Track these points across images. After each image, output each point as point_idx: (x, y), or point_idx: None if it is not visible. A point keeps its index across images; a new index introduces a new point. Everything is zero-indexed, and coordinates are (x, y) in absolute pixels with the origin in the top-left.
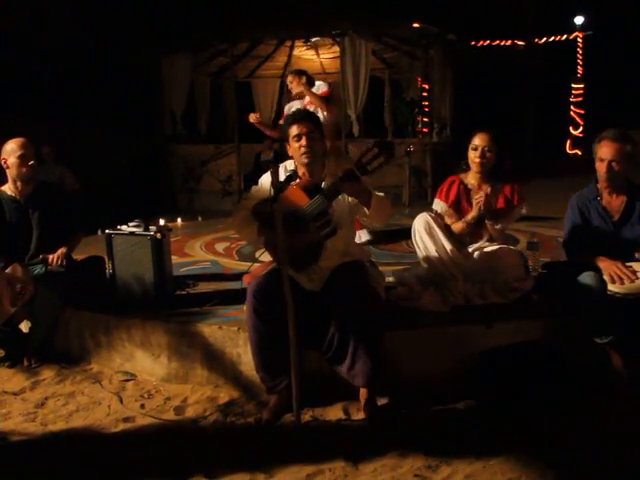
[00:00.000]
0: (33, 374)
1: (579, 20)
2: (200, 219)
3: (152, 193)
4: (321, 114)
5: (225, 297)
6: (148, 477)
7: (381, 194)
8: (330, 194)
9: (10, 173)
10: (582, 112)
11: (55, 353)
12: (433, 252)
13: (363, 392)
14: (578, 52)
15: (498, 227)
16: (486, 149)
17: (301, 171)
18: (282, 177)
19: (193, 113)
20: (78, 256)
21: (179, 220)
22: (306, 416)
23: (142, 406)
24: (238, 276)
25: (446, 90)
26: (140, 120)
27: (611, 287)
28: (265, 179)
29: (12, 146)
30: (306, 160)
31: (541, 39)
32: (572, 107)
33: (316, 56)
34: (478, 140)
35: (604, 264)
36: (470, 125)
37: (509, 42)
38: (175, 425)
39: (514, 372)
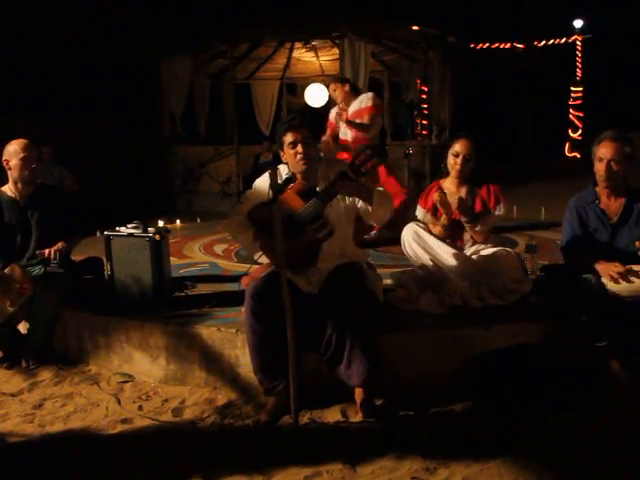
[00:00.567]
0: (31, 375)
1: (578, 23)
2: (199, 221)
3: (151, 194)
4: (362, 132)
5: (223, 299)
6: (146, 479)
7: (382, 189)
8: (325, 197)
9: (11, 174)
10: (581, 115)
11: (53, 354)
12: (426, 260)
13: (359, 392)
14: (577, 55)
15: (478, 229)
16: (467, 156)
17: (296, 176)
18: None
19: (192, 114)
20: (77, 257)
21: (178, 221)
22: (304, 418)
23: (140, 408)
24: (237, 278)
25: (445, 92)
26: (140, 121)
27: (611, 286)
28: (259, 183)
29: (15, 148)
30: (304, 167)
31: (540, 42)
32: (571, 110)
33: (315, 58)
34: (459, 147)
35: (602, 266)
36: (469, 128)
37: (508, 45)
38: (173, 427)
39: (512, 374)
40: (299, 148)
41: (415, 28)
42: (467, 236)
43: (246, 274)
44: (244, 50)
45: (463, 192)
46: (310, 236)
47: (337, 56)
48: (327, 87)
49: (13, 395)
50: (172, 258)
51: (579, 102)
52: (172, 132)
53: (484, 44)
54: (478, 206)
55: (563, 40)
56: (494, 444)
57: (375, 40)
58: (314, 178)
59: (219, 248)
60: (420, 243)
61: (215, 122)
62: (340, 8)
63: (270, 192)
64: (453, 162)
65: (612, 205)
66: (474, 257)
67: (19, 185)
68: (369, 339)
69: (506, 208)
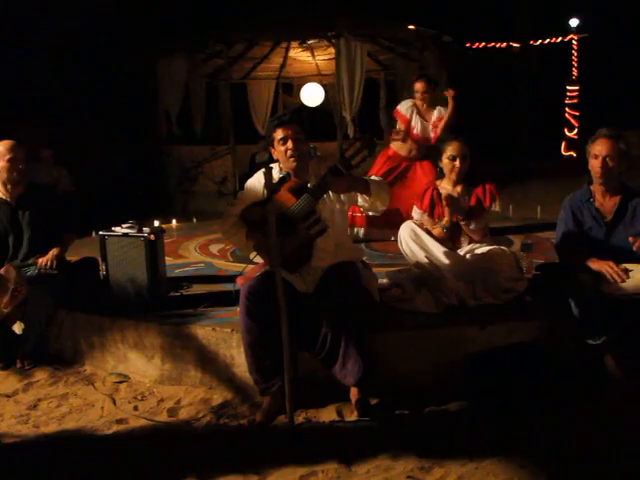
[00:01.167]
0: (26, 376)
1: (574, 22)
2: (195, 220)
3: (147, 194)
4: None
5: (219, 299)
6: (141, 479)
7: (377, 178)
8: (316, 192)
9: (0, 176)
10: (577, 114)
11: (48, 355)
12: (422, 258)
13: (354, 391)
14: (573, 54)
15: (472, 227)
16: (462, 158)
17: (289, 175)
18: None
19: (188, 114)
20: (72, 257)
21: (174, 221)
22: (299, 418)
23: (135, 408)
24: (232, 278)
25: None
26: (136, 121)
27: (604, 288)
28: (251, 183)
29: (1, 150)
30: (294, 163)
31: (536, 41)
32: (567, 109)
33: (311, 58)
34: (455, 150)
35: (596, 264)
36: (464, 128)
37: (504, 44)
38: (168, 427)
39: (507, 373)
40: (289, 144)
41: (411, 27)
42: (464, 237)
43: (241, 274)
44: (240, 50)
45: (459, 191)
46: (303, 233)
47: (333, 55)
48: (419, 83)
49: (8, 396)
50: (168, 258)
51: (575, 101)
52: (168, 132)
53: (480, 43)
54: (473, 202)
55: (559, 39)
56: (489, 443)
57: (371, 39)
58: (306, 175)
59: (215, 248)
60: (417, 241)
61: (211, 122)
62: (336, 8)
63: (265, 192)
64: (450, 165)
65: (607, 203)
66: (468, 256)
67: (8, 186)
68: (364, 338)
69: (502, 205)
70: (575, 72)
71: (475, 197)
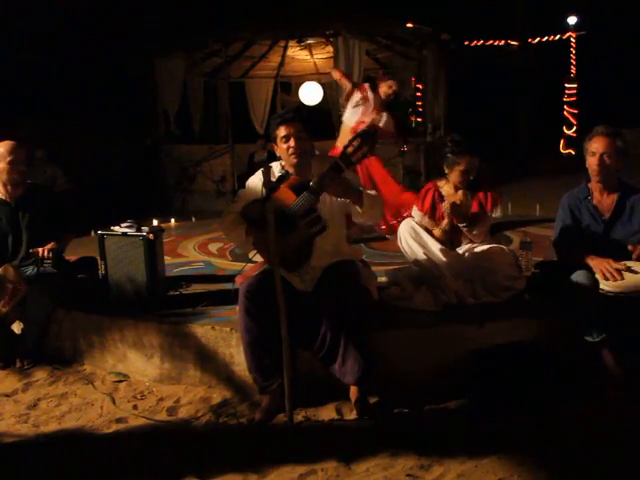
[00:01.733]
0: (25, 375)
1: (572, 20)
2: (194, 219)
3: (146, 193)
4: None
5: (218, 298)
6: (141, 478)
7: (372, 192)
8: (316, 189)
9: (0, 177)
10: (575, 112)
11: (48, 354)
12: (422, 255)
13: (353, 390)
14: (571, 52)
15: (475, 233)
16: (472, 173)
17: (289, 172)
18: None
19: (187, 113)
20: (71, 257)
21: (172, 220)
22: (299, 416)
23: (135, 407)
24: (231, 277)
25: (439, 90)
26: (134, 120)
27: (603, 285)
28: (252, 181)
29: (1, 151)
30: (295, 160)
31: (534, 39)
32: (565, 107)
33: (310, 56)
34: (468, 165)
35: (594, 262)
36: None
37: (502, 42)
38: (168, 426)
39: (506, 371)
40: (291, 142)
41: (409, 26)
42: (465, 238)
43: (240, 273)
44: (238, 49)
45: (460, 195)
46: (303, 231)
47: (331, 54)
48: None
49: (7, 395)
50: (167, 257)
51: (573, 99)
52: (166, 131)
53: (478, 41)
54: (475, 207)
55: (557, 37)
56: (489, 441)
57: (369, 38)
58: (307, 173)
59: (214, 247)
60: (417, 239)
61: (209, 121)
62: (334, 6)
63: (263, 190)
64: (459, 177)
65: (605, 201)
66: (467, 255)
67: (8, 187)
68: (363, 338)
69: (502, 211)
70: (573, 70)
71: (477, 202)
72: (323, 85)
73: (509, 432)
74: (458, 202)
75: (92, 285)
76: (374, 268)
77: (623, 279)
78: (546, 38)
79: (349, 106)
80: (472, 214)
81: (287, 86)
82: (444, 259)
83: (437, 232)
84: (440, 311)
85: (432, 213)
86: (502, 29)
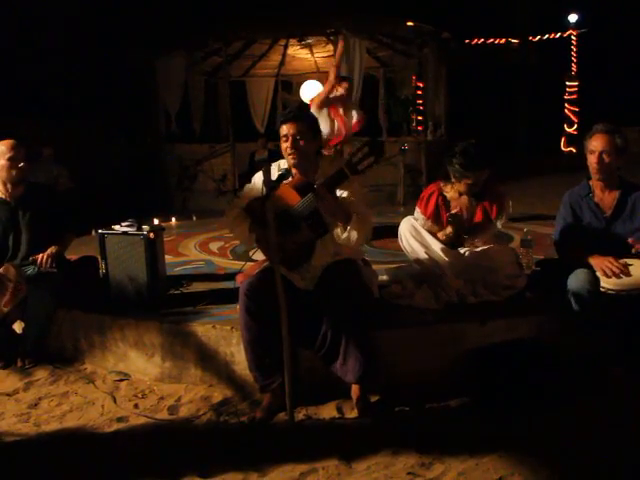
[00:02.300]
0: (26, 375)
1: (573, 18)
2: (194, 218)
3: (147, 193)
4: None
5: (218, 296)
6: (142, 476)
7: (366, 213)
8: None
9: (0, 175)
10: (576, 110)
11: (49, 353)
12: (422, 254)
13: (355, 389)
14: (572, 50)
15: (477, 242)
16: (478, 184)
17: (293, 170)
18: (274, 176)
19: (187, 112)
20: (71, 256)
21: (173, 219)
22: (300, 415)
23: (136, 406)
24: (232, 275)
25: (440, 88)
26: (135, 120)
27: (604, 284)
28: (258, 177)
29: (1, 148)
30: (292, 161)
31: (535, 37)
32: (566, 105)
33: (310, 55)
34: (475, 179)
35: (595, 260)
36: (464, 124)
37: (503, 40)
38: (169, 424)
39: (507, 369)
40: (288, 142)
41: (410, 24)
42: (467, 242)
43: (241, 271)
44: (239, 47)
45: (464, 200)
46: (306, 232)
47: (332, 52)
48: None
49: (8, 394)
50: (167, 256)
51: (574, 97)
52: (167, 130)
53: (479, 40)
54: (479, 216)
55: (558, 35)
56: (490, 439)
57: (370, 36)
58: (312, 173)
59: (214, 246)
60: (417, 238)
61: (210, 120)
62: (334, 4)
63: (263, 189)
64: (466, 188)
65: (606, 198)
66: (468, 254)
67: (8, 186)
68: (364, 336)
69: (507, 219)
70: (574, 68)
71: (482, 210)
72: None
73: (510, 431)
74: (460, 212)
75: (93, 284)
76: (375, 266)
77: (630, 275)
78: (547, 36)
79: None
80: (475, 223)
81: (288, 85)
82: (445, 258)
83: (441, 235)
84: (441, 309)
85: (435, 217)
86: (503, 27)
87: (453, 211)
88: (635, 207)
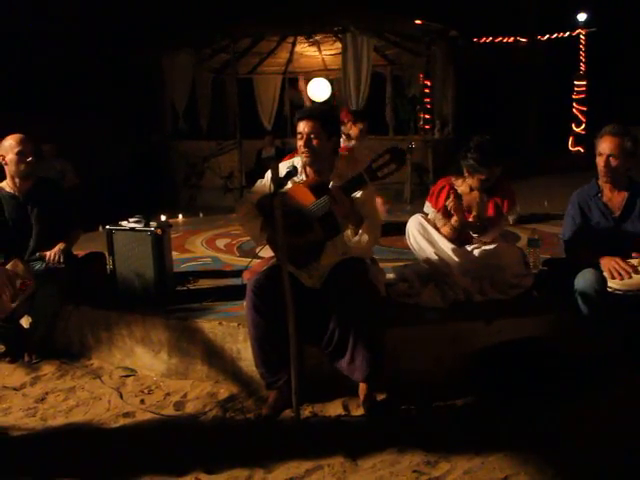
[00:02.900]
0: (33, 369)
1: (582, 17)
2: (201, 215)
3: (154, 189)
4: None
5: (225, 293)
6: (148, 472)
7: (377, 217)
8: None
9: (8, 170)
10: (585, 109)
11: (55, 349)
12: (430, 253)
13: (362, 387)
14: (581, 49)
15: (485, 239)
16: (491, 179)
17: (307, 169)
18: (282, 173)
19: (195, 109)
20: (79, 252)
21: (180, 216)
22: (306, 412)
23: (142, 401)
24: (239, 272)
25: (448, 87)
26: (142, 116)
27: (611, 284)
28: (269, 174)
29: (10, 142)
30: (304, 159)
31: (544, 36)
32: (575, 104)
33: (318, 52)
34: (489, 175)
35: (603, 260)
36: (472, 123)
37: (511, 39)
38: (175, 420)
39: (513, 368)
40: (303, 140)
41: (418, 22)
42: (475, 238)
43: (247, 268)
44: (246, 45)
45: (475, 195)
46: (318, 233)
47: (340, 50)
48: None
49: (16, 389)
50: (174, 252)
51: (583, 96)
52: (174, 127)
53: (487, 38)
54: (490, 210)
55: (567, 34)
56: (496, 438)
57: (378, 34)
58: (327, 173)
59: (221, 242)
60: (425, 236)
61: (217, 117)
62: (342, 2)
63: (271, 186)
64: (478, 183)
65: (615, 199)
66: (476, 252)
67: (17, 180)
68: (373, 334)
69: (517, 214)
70: (583, 67)
71: (494, 205)
72: (331, 81)
73: (515, 429)
74: (477, 199)
75: (100, 280)
76: (382, 264)
77: (637, 274)
78: (555, 35)
79: None
80: (487, 218)
81: (295, 82)
82: (452, 256)
83: (446, 230)
84: (448, 308)
85: (445, 211)
86: (511, 26)
87: (449, 201)
88: None
